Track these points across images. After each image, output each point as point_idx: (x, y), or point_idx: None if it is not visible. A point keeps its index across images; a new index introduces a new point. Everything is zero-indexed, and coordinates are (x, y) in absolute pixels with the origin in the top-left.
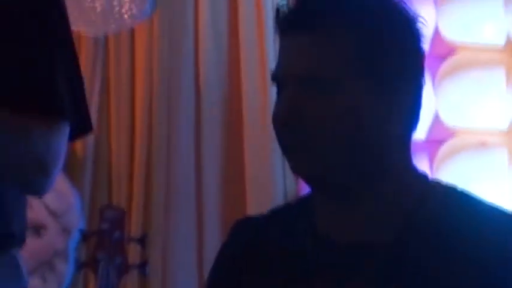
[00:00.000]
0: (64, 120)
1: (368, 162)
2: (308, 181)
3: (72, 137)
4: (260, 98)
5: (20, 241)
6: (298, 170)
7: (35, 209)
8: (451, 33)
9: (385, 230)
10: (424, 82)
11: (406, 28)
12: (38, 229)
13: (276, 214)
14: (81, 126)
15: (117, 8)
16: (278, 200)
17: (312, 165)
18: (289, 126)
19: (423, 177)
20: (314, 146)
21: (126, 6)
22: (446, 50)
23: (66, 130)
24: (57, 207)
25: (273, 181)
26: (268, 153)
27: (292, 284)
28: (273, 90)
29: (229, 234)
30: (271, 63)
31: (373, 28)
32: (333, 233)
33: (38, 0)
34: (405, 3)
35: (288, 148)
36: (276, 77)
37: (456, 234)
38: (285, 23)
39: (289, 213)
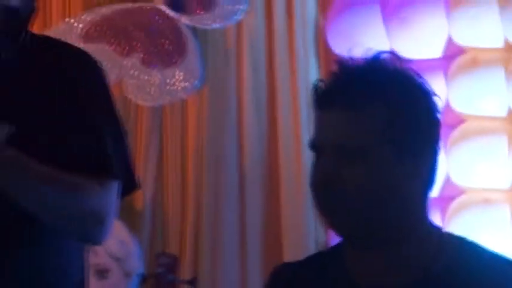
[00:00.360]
0: (113, 179)
1: (395, 218)
2: (345, 237)
3: (123, 194)
4: (294, 160)
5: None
6: (336, 227)
7: (101, 255)
8: (460, 105)
9: (404, 275)
10: (440, 148)
11: (426, 102)
12: (104, 273)
13: (311, 261)
14: (129, 185)
15: (171, 83)
16: (310, 248)
17: (349, 224)
18: (327, 190)
19: (438, 229)
20: (350, 207)
21: (179, 81)
22: (455, 120)
23: (116, 187)
24: (120, 253)
25: (305, 231)
26: (302, 208)
27: None
28: (304, 154)
29: (269, 279)
30: (304, 132)
31: (399, 104)
32: (360, 278)
33: (87, 76)
34: (424, 80)
35: (327, 208)
36: (314, 146)
37: (466, 278)
38: (323, 100)
39: (321, 260)
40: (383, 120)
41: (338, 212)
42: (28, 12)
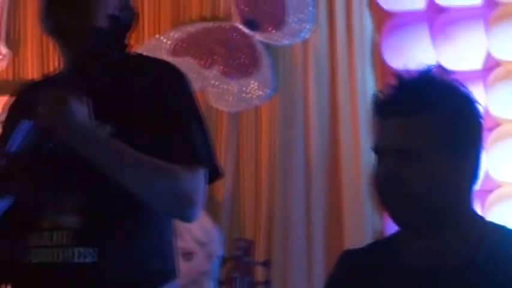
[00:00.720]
0: (202, 167)
1: (446, 208)
2: (404, 224)
3: (209, 181)
4: (353, 160)
5: (175, 275)
6: (398, 217)
7: (187, 239)
8: (496, 110)
9: (452, 258)
10: (483, 148)
11: (471, 109)
12: (189, 255)
13: (370, 248)
14: (213, 173)
15: (247, 91)
16: (367, 235)
17: (409, 213)
18: (391, 186)
19: (481, 218)
20: (409, 199)
21: (254, 90)
22: (493, 123)
23: (203, 174)
24: (204, 238)
25: (363, 220)
26: (360, 200)
27: None
28: (362, 155)
29: (336, 263)
30: (362, 137)
31: (449, 112)
32: (412, 262)
33: (175, 84)
34: (467, 90)
35: (389, 201)
36: (376, 149)
37: (507, 262)
38: (383, 109)
39: (379, 247)
40: (436, 126)
41: (399, 204)
42: (129, 20)
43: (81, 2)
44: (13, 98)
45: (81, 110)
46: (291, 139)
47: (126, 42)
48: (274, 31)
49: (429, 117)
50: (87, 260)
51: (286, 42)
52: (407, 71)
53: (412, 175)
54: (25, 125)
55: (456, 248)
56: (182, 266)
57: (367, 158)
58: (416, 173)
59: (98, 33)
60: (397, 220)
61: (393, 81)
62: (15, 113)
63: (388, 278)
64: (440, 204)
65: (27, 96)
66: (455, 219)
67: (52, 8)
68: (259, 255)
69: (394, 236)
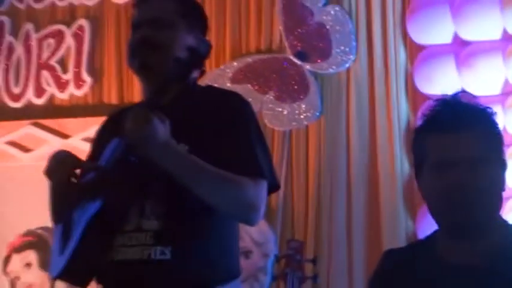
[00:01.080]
0: (264, 179)
1: (495, 211)
2: (463, 227)
3: (269, 192)
4: (390, 172)
5: (239, 272)
6: (462, 220)
7: (246, 240)
8: None
9: (486, 258)
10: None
11: (498, 126)
12: (247, 253)
13: (411, 247)
14: (273, 185)
15: (297, 113)
16: (401, 237)
17: (474, 217)
18: (465, 191)
19: (505, 221)
20: (477, 204)
21: (304, 112)
22: (510, 140)
23: (265, 185)
24: (260, 239)
25: (398, 225)
26: (395, 206)
27: None
28: (397, 168)
29: (380, 260)
30: (396, 154)
31: (493, 127)
32: (451, 259)
33: (238, 108)
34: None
35: (457, 207)
36: (440, 161)
37: None
38: (438, 125)
39: (419, 247)
40: (488, 138)
41: (468, 208)
42: (205, 50)
43: (163, 40)
44: (102, 123)
45: (162, 127)
46: (335, 155)
47: (202, 69)
48: (321, 61)
49: (479, 132)
50: (163, 257)
51: (331, 71)
52: (445, 95)
53: (483, 182)
54: (114, 142)
55: (490, 249)
56: (242, 262)
57: (400, 172)
58: (486, 180)
59: (178, 62)
60: (458, 223)
61: (435, 104)
62: (103, 133)
63: (428, 275)
64: (494, 208)
65: (116, 119)
66: (494, 222)
67: (138, 47)
68: (308, 253)
69: (431, 237)
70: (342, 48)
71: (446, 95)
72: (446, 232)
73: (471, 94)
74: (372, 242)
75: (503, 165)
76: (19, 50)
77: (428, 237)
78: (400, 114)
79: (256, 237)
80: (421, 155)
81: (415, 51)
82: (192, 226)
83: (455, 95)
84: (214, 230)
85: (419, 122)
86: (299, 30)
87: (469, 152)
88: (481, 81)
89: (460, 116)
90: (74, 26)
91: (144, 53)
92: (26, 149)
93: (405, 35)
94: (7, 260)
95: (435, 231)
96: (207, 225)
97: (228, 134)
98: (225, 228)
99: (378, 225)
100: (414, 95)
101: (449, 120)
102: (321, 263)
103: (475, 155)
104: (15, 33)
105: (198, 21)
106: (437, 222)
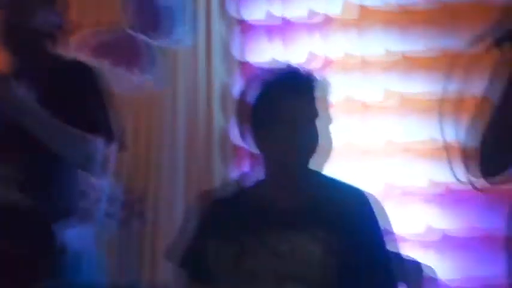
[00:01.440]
0: (100, 137)
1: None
2: (286, 171)
3: (119, 151)
4: (209, 127)
5: (77, 211)
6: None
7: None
8: None
9: (303, 201)
10: None
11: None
12: (84, 194)
13: (235, 194)
14: (114, 141)
15: (132, 79)
16: (217, 182)
17: (296, 167)
18: None
19: (316, 170)
20: (300, 157)
21: (138, 79)
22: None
23: (102, 140)
24: (97, 184)
25: (214, 171)
26: (212, 155)
27: (245, 236)
28: (215, 123)
29: (206, 208)
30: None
31: (315, 92)
32: (276, 203)
33: (88, 78)
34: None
35: None
36: (277, 121)
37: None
38: (275, 91)
39: (242, 194)
40: (314, 102)
41: (295, 158)
42: (59, 23)
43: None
44: None
45: (21, 89)
46: (164, 114)
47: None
48: (154, 34)
49: (311, 94)
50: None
51: (163, 42)
52: (268, 65)
53: (311, 137)
54: None
55: (313, 192)
56: (80, 204)
57: (217, 127)
58: (313, 135)
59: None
60: (286, 170)
61: (267, 73)
62: None
63: (253, 219)
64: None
65: None
66: (311, 171)
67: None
68: (138, 194)
69: (255, 185)
70: (173, 22)
71: (270, 64)
72: (272, 178)
73: (290, 63)
74: (192, 183)
75: (322, 120)
76: None
77: (250, 184)
78: (217, 80)
79: (94, 182)
80: (260, 116)
81: (233, 25)
82: (41, 174)
83: (279, 65)
84: (59, 178)
85: (249, 88)
86: (135, 5)
87: (304, 113)
88: (290, 51)
89: (291, 83)
90: None
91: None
92: None
93: (225, 11)
94: None
95: (256, 180)
96: (54, 172)
97: (74, 98)
98: (69, 175)
99: (198, 171)
100: (231, 64)
101: (285, 87)
102: (149, 202)
103: (306, 116)
104: None
105: None
106: (267, 168)
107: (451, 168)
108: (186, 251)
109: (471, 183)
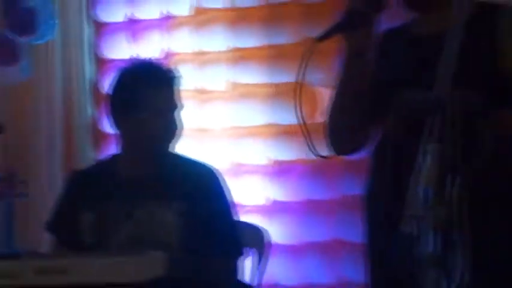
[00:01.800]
0: None
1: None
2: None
3: None
4: (82, 116)
5: None
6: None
7: None
8: None
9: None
10: None
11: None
12: None
13: (95, 166)
14: None
15: (9, 75)
16: (88, 162)
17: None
18: None
19: (179, 154)
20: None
21: (15, 75)
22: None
23: None
24: None
25: (87, 155)
26: (83, 139)
27: (107, 200)
28: (86, 112)
29: (67, 180)
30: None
31: (177, 84)
32: (127, 174)
33: None
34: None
35: None
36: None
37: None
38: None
39: (101, 166)
40: (174, 92)
41: (162, 141)
42: None
43: None
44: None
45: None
46: (42, 105)
47: None
48: (29, 35)
49: (173, 85)
50: None
51: (37, 41)
52: (130, 61)
53: (174, 124)
54: None
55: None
56: None
57: (87, 115)
58: (175, 123)
59: None
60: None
61: (129, 68)
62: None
63: (111, 188)
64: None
65: None
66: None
67: None
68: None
69: (111, 158)
70: (45, 24)
71: (131, 60)
72: (128, 153)
73: (149, 58)
74: (69, 164)
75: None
76: None
77: (109, 158)
78: (87, 75)
79: None
80: (117, 103)
81: (99, 27)
82: None
83: (140, 60)
84: None
85: (111, 81)
86: (11, 10)
87: (163, 103)
88: (144, 50)
89: (147, 74)
90: None
91: None
92: None
93: (90, 15)
94: None
95: (114, 154)
96: None
97: None
98: None
99: (71, 153)
100: (99, 61)
101: (141, 77)
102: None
103: (167, 105)
104: None
105: None
106: (125, 145)
107: (308, 145)
108: (52, 217)
109: (322, 156)
